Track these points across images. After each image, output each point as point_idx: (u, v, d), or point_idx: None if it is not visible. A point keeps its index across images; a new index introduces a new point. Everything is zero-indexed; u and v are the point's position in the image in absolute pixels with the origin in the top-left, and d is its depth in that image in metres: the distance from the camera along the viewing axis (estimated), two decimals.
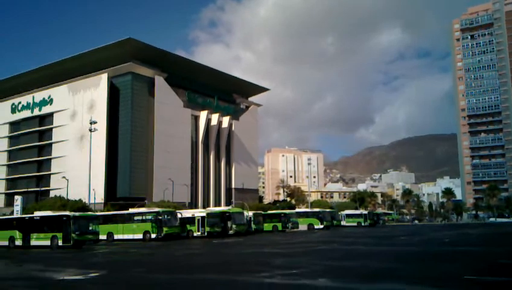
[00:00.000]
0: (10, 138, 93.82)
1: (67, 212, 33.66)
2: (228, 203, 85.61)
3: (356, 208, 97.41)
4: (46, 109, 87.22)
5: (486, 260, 17.49)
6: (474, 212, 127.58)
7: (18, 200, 56.64)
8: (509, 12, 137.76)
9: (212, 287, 12.42)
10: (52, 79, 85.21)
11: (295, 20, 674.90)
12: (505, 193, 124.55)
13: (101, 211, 54.82)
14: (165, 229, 39.45)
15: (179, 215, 43.19)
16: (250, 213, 53.23)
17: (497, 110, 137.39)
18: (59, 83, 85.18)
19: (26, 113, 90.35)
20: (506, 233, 42.36)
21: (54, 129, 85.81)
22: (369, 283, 12.32)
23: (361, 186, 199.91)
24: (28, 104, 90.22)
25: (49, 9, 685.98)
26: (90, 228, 32.57)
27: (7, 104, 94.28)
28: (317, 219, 60.24)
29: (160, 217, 39.80)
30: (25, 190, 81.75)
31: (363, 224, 71.04)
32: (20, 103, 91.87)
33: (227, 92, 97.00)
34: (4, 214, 58.12)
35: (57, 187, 73.03)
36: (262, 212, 58.37)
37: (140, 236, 39.80)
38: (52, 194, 71.31)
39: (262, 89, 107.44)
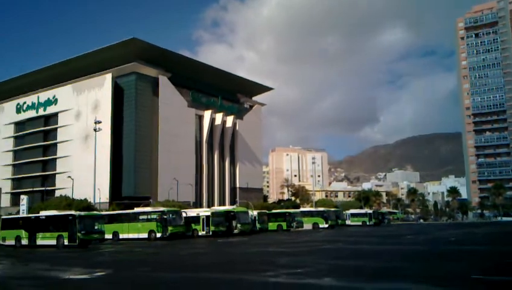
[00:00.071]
0: (15, 138, 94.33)
1: (72, 212, 33.86)
2: (233, 202, 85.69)
3: (361, 207, 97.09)
4: (50, 109, 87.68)
5: (492, 259, 17.41)
6: (479, 211, 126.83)
7: (24, 199, 57.14)
8: None
9: (217, 286, 12.42)
10: (57, 79, 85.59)
11: (299, 20, 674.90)
12: (510, 191, 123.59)
13: (106, 210, 54.88)
14: (170, 228, 39.48)
15: (184, 215, 43.16)
16: (255, 212, 53.24)
17: (502, 109, 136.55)
18: (64, 83, 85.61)
19: (31, 113, 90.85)
20: None
21: (58, 129, 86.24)
22: (375, 282, 12.27)
23: (366, 186, 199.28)
24: (33, 104, 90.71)
25: (50, 9, 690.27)
26: (96, 228, 32.70)
27: (12, 104, 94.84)
28: (322, 218, 59.99)
29: (165, 217, 39.83)
30: (31, 189, 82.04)
31: (368, 223, 70.79)
32: (25, 103, 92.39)
33: (231, 92, 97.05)
34: (10, 214, 58.33)
35: (62, 187, 73.58)
36: (267, 212, 58.20)
37: (145, 235, 39.84)
38: (57, 193, 71.66)
39: (266, 89, 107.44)
